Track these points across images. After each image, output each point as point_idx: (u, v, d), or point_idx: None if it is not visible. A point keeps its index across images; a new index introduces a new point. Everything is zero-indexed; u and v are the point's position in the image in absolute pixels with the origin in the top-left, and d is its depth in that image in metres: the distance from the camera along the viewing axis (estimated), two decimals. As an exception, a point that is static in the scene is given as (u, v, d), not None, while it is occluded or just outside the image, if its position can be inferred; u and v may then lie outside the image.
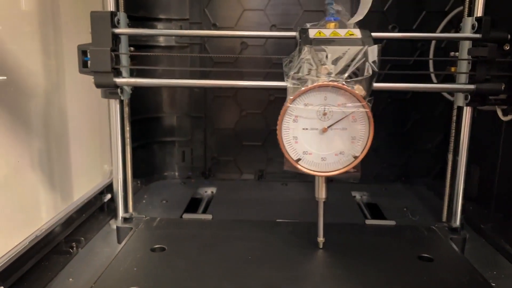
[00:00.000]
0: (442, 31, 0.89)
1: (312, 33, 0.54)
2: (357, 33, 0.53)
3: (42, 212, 0.76)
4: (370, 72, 0.51)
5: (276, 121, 1.00)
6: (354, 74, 0.52)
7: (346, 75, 0.50)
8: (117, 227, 0.64)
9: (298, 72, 0.52)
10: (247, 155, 1.05)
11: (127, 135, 0.74)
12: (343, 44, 0.52)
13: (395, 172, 1.03)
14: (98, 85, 0.66)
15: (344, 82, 0.50)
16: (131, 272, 0.50)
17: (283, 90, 0.54)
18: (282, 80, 0.55)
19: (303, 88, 0.51)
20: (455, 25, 0.87)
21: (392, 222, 0.67)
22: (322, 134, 0.52)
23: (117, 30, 0.65)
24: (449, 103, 0.92)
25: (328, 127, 0.52)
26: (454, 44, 0.72)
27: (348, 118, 0.51)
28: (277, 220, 0.67)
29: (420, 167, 1.02)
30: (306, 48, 0.52)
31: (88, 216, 0.73)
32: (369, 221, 0.69)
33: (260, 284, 0.49)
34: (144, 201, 0.89)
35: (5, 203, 0.66)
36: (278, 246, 0.58)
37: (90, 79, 0.84)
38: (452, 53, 0.70)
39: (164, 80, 0.70)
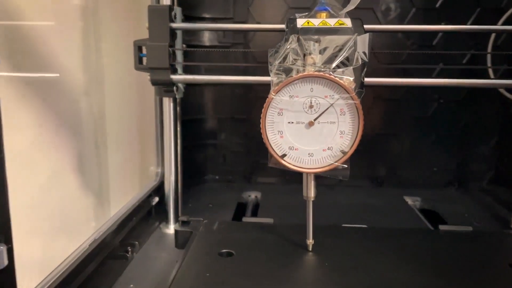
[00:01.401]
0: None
1: (300, 22, 0.51)
2: (347, 22, 0.51)
3: (83, 215, 0.74)
4: (360, 62, 0.48)
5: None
6: (344, 65, 0.48)
7: (333, 65, 0.47)
8: (176, 231, 0.61)
9: (282, 62, 0.49)
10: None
11: (179, 135, 0.71)
12: (332, 33, 0.49)
13: (447, 177, 0.98)
14: (154, 82, 0.64)
15: (331, 73, 0.47)
16: (203, 278, 0.47)
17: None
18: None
19: (287, 79, 0.47)
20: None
21: (468, 228, 0.62)
22: (309, 128, 0.49)
23: (174, 25, 0.63)
24: (505, 103, 0.88)
25: (315, 120, 0.48)
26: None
27: (337, 111, 0.48)
28: (343, 225, 0.63)
29: (473, 171, 0.97)
30: (292, 37, 0.49)
31: (138, 220, 0.70)
32: (444, 227, 0.65)
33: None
34: (190, 204, 0.86)
35: (47, 205, 0.64)
36: (350, 251, 0.54)
37: (129, 77, 0.82)
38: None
39: (223, 77, 0.67)
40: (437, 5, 0.92)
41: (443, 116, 0.96)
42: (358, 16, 0.93)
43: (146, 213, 0.75)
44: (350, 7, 0.54)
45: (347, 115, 0.48)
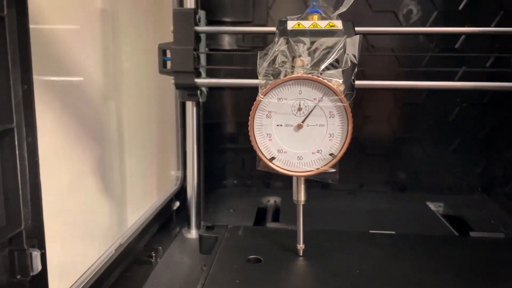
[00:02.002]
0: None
1: (291, 24, 0.51)
2: (338, 24, 0.50)
3: (101, 219, 0.73)
4: (349, 64, 0.47)
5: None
6: (335, 67, 0.47)
7: (322, 67, 0.46)
8: (200, 236, 0.60)
9: (272, 64, 0.48)
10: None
11: (201, 140, 0.71)
12: (322, 35, 0.49)
13: (471, 182, 0.96)
14: (178, 86, 0.63)
15: (319, 75, 0.46)
16: (233, 284, 0.46)
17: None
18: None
19: (275, 81, 0.47)
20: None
21: (500, 235, 0.61)
22: (298, 131, 0.48)
23: (199, 28, 0.63)
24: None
25: (302, 122, 0.47)
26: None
27: (325, 113, 0.47)
28: (371, 232, 0.62)
29: (498, 176, 0.95)
30: (281, 39, 0.48)
31: (160, 225, 0.70)
32: (475, 233, 0.63)
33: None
34: (210, 209, 0.85)
35: (68, 209, 0.63)
36: (380, 258, 0.53)
37: (149, 81, 0.82)
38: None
39: (247, 81, 0.66)
40: (460, 7, 0.91)
41: (467, 120, 0.94)
42: (382, 19, 0.93)
43: (167, 218, 0.74)
44: (342, 9, 0.54)
45: (336, 118, 0.47)
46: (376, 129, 0.97)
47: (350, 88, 0.48)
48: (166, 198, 0.74)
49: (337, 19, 0.52)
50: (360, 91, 0.94)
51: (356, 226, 0.78)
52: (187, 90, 0.64)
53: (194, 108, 0.68)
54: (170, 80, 0.87)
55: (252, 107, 0.48)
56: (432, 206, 0.89)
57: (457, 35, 0.91)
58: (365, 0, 0.93)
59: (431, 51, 0.93)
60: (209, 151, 1.00)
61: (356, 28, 0.52)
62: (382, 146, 0.97)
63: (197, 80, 0.62)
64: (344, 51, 0.47)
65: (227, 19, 0.95)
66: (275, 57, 0.48)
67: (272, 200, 0.94)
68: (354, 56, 0.48)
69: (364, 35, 0.91)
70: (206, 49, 0.70)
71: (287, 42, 0.48)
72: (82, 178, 0.68)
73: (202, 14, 0.65)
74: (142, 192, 0.81)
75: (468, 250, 0.55)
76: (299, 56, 0.48)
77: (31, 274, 0.36)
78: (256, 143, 0.48)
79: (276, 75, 0.48)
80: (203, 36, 0.66)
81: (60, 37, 0.62)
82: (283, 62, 0.48)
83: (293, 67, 0.47)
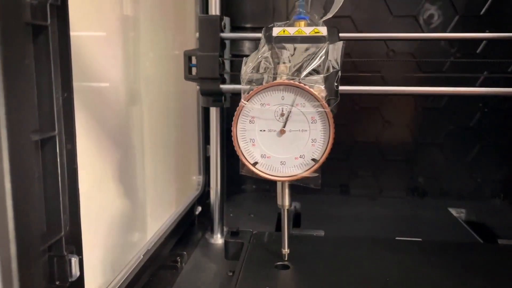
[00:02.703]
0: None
1: (276, 31, 0.52)
2: (323, 31, 0.51)
3: (121, 224, 0.74)
4: (331, 70, 0.47)
5: (362, 133, 0.97)
6: (318, 73, 0.48)
7: (303, 73, 0.47)
8: (226, 241, 0.60)
9: (256, 70, 0.49)
10: (328, 168, 1.00)
11: (224, 145, 0.71)
12: (305, 42, 0.50)
13: (493, 188, 0.95)
14: (204, 93, 0.64)
15: (301, 81, 0.46)
16: (264, 292, 0.46)
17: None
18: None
19: (258, 87, 0.47)
20: None
21: (529, 242, 0.60)
22: (280, 136, 0.48)
23: (224, 35, 0.63)
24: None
25: (284, 127, 0.48)
26: None
27: (308, 119, 0.47)
28: (396, 238, 0.61)
29: (520, 182, 0.94)
30: (265, 46, 0.49)
31: (184, 230, 0.70)
32: (503, 241, 0.63)
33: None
34: (231, 214, 0.85)
35: (88, 214, 0.64)
36: (411, 266, 0.52)
37: (169, 87, 0.82)
38: None
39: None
40: (482, 12, 0.90)
41: (488, 125, 0.94)
42: (403, 24, 0.92)
43: (190, 223, 0.75)
44: (328, 16, 0.54)
45: (319, 123, 0.47)
46: (396, 134, 0.96)
47: (334, 94, 0.49)
48: (189, 203, 0.75)
49: (322, 25, 0.53)
50: (380, 96, 0.95)
51: (378, 232, 0.78)
52: (212, 96, 0.65)
53: (218, 114, 0.68)
54: (191, 85, 0.88)
55: (235, 113, 0.49)
56: (453, 212, 0.88)
57: (478, 39, 0.90)
58: (385, 5, 0.93)
59: (453, 56, 0.92)
60: (228, 155, 1.01)
61: (342, 34, 0.54)
62: (402, 151, 0.96)
63: (223, 86, 0.63)
64: (327, 57, 0.48)
65: (248, 25, 0.95)
66: (259, 63, 0.49)
67: (291, 206, 0.94)
68: (337, 62, 0.48)
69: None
70: (230, 55, 0.70)
71: (271, 49, 0.49)
72: (104, 183, 0.69)
73: (227, 20, 0.65)
74: (165, 197, 0.81)
75: (499, 258, 0.55)
76: (283, 62, 0.48)
77: (70, 280, 0.36)
78: (239, 148, 0.49)
79: (259, 81, 0.48)
80: (227, 43, 0.66)
81: (88, 44, 0.63)
82: (266, 68, 0.48)
83: (275, 73, 0.48)
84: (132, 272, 0.50)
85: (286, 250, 0.54)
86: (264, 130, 0.48)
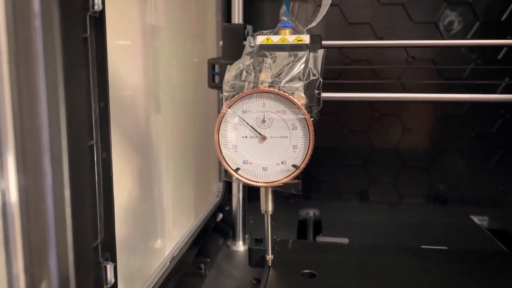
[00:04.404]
0: None
1: (260, 39, 0.53)
2: (306, 39, 0.51)
3: (140, 233, 0.74)
4: (311, 77, 0.48)
5: (381, 139, 0.97)
6: (300, 80, 0.48)
7: (283, 81, 0.47)
8: (249, 249, 0.60)
9: (238, 77, 0.50)
10: (347, 175, 1.00)
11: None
12: (287, 50, 0.51)
13: (516, 195, 0.94)
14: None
15: (281, 88, 0.47)
16: (292, 300, 0.46)
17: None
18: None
19: (239, 94, 0.48)
20: None
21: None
22: (262, 142, 0.49)
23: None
24: None
25: (264, 134, 0.48)
26: None
27: (288, 125, 0.48)
28: (422, 247, 0.61)
29: (544, 189, 0.93)
30: (247, 53, 0.51)
31: (207, 237, 0.70)
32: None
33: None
34: (251, 221, 0.85)
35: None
36: (439, 275, 0.52)
37: (189, 95, 0.82)
38: None
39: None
40: (503, 18, 0.90)
41: (509, 132, 0.93)
42: (423, 30, 0.92)
43: (212, 229, 0.75)
44: (313, 23, 0.56)
45: (299, 130, 0.48)
46: (416, 141, 0.96)
47: (316, 101, 0.50)
48: (210, 210, 0.75)
49: (306, 33, 0.54)
50: (400, 103, 0.94)
51: (401, 240, 0.77)
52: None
53: (240, 121, 0.69)
54: (212, 93, 0.88)
55: (217, 119, 0.49)
56: (476, 219, 0.87)
57: (500, 46, 0.90)
58: (405, 11, 0.92)
59: (473, 62, 0.91)
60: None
61: (327, 42, 0.54)
62: (422, 158, 0.96)
63: (246, 94, 0.63)
64: (307, 65, 0.48)
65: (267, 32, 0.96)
66: (241, 71, 0.50)
67: (311, 213, 0.94)
68: (317, 69, 0.49)
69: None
70: (251, 62, 0.71)
71: (253, 57, 0.50)
72: (127, 190, 0.70)
73: (249, 29, 0.66)
74: (186, 204, 0.82)
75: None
76: (265, 70, 0.49)
77: (106, 287, 0.36)
78: (222, 154, 0.49)
79: (241, 88, 0.49)
80: (250, 50, 0.67)
81: (113, 53, 0.64)
82: (248, 75, 0.49)
83: (256, 81, 0.49)
84: (160, 279, 0.50)
85: (270, 256, 0.55)
86: (246, 137, 0.49)
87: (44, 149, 0.21)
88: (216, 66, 0.64)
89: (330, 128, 0.97)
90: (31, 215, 0.22)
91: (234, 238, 0.73)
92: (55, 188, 0.22)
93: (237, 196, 0.71)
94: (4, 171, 0.21)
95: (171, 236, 0.68)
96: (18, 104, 0.21)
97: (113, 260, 0.38)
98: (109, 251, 0.38)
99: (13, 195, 0.21)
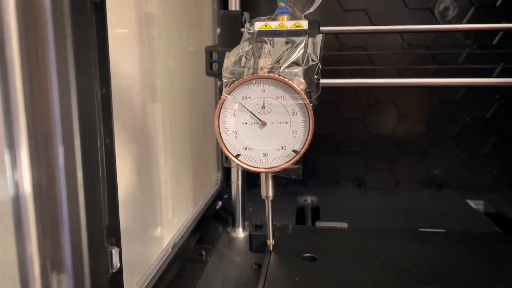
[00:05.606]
0: None
1: (258, 25, 0.53)
2: (304, 24, 0.52)
3: (146, 219, 0.75)
4: (310, 63, 0.48)
5: (377, 126, 0.98)
6: (300, 65, 0.49)
7: (283, 66, 0.48)
8: (250, 234, 0.61)
9: (237, 64, 0.50)
10: (344, 161, 1.00)
11: (244, 139, 0.71)
12: (286, 35, 0.51)
13: (510, 179, 0.95)
14: (225, 88, 0.64)
15: (280, 74, 0.48)
16: (294, 282, 0.47)
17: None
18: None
19: (239, 80, 0.48)
20: None
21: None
22: (262, 128, 0.49)
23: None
24: None
25: (262, 120, 0.48)
26: None
27: (288, 111, 0.48)
28: (420, 230, 0.62)
29: (537, 173, 0.94)
30: (246, 39, 0.51)
31: (207, 224, 0.71)
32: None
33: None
34: (250, 209, 0.86)
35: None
36: (437, 257, 0.53)
37: (186, 84, 0.82)
38: None
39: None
40: (497, 3, 0.90)
41: (505, 117, 0.93)
42: (418, 16, 0.92)
43: (212, 217, 0.75)
44: (310, 9, 0.55)
45: (299, 115, 0.48)
46: (412, 127, 0.97)
47: (315, 87, 0.50)
48: (210, 198, 0.76)
49: (304, 19, 0.54)
50: (396, 90, 0.95)
51: (398, 224, 0.78)
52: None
53: (239, 109, 0.69)
54: (209, 82, 0.88)
55: (217, 106, 0.49)
56: (472, 204, 0.89)
57: (494, 31, 0.90)
58: (400, -2, 0.92)
59: (469, 48, 0.92)
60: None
61: (324, 28, 0.55)
62: (418, 143, 0.96)
63: (244, 81, 0.63)
64: (306, 50, 0.49)
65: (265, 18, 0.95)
66: (240, 57, 0.50)
67: (309, 200, 0.95)
68: (316, 55, 0.49)
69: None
70: (248, 50, 0.70)
71: (252, 43, 0.50)
72: (126, 179, 0.70)
73: (246, 15, 0.66)
74: (185, 192, 0.82)
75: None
76: (264, 56, 0.49)
77: (111, 271, 0.37)
78: (222, 140, 0.50)
79: (240, 74, 0.49)
80: (247, 38, 0.66)
81: (110, 41, 0.63)
82: (247, 61, 0.49)
83: (256, 67, 0.49)
84: (162, 265, 0.51)
85: (271, 241, 0.55)
86: (246, 123, 0.49)
87: (56, 130, 0.21)
88: (214, 54, 0.64)
89: (327, 115, 0.98)
90: (43, 197, 0.22)
91: (234, 225, 0.73)
92: (67, 169, 0.23)
93: (237, 183, 0.71)
94: (16, 153, 0.21)
95: (171, 225, 0.68)
96: (29, 84, 0.21)
97: (118, 245, 0.38)
98: (114, 236, 0.38)
99: (26, 178, 0.21)
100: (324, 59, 0.52)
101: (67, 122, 0.23)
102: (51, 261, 0.23)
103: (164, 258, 0.53)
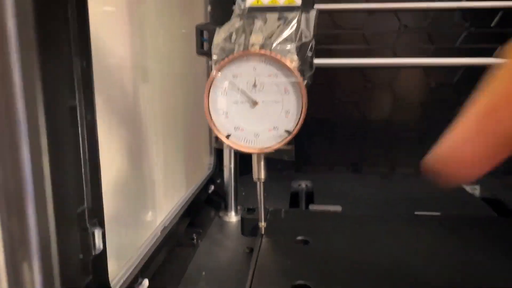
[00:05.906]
0: None
1: (249, 1, 0.50)
2: (297, 0, 0.49)
3: (135, 204, 0.73)
4: (303, 40, 0.46)
5: (374, 110, 0.96)
6: (292, 42, 0.47)
7: (274, 43, 0.46)
8: (242, 218, 0.60)
9: (227, 41, 0.48)
10: (339, 146, 0.99)
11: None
12: (279, 11, 0.49)
13: (506, 164, 0.94)
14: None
15: (272, 51, 0.45)
16: (286, 265, 0.46)
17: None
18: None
19: (229, 57, 0.46)
20: None
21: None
22: (254, 107, 0.47)
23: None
24: None
25: (253, 99, 0.47)
26: None
27: (280, 89, 0.46)
28: (416, 213, 0.60)
29: (534, 158, 0.93)
30: (237, 15, 0.49)
31: (199, 208, 0.70)
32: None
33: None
34: (243, 193, 0.84)
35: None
36: (431, 240, 0.52)
37: (177, 67, 0.80)
38: None
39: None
40: (497, -16, 0.88)
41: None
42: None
43: (204, 201, 0.74)
44: None
45: (291, 94, 0.46)
46: (408, 112, 0.95)
47: (308, 65, 0.48)
48: (202, 182, 0.74)
49: None
50: (392, 73, 0.93)
51: (393, 209, 0.77)
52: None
53: (231, 90, 0.67)
54: (201, 64, 0.86)
55: (206, 84, 0.47)
56: (468, 188, 0.88)
57: (493, 11, 0.88)
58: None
59: (467, 30, 0.90)
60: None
61: (318, 6, 0.51)
62: (414, 128, 0.95)
63: (236, 61, 0.61)
64: (299, 27, 0.47)
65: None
66: (231, 33, 0.48)
67: (303, 184, 0.93)
68: (309, 31, 0.47)
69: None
70: (241, 29, 0.69)
71: (243, 19, 0.48)
72: (115, 163, 0.68)
73: (238, -7, 0.64)
74: (177, 177, 0.81)
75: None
76: (255, 32, 0.47)
77: (93, 253, 0.35)
78: (212, 120, 0.48)
79: (230, 51, 0.47)
80: (240, 16, 0.64)
81: (96, 18, 0.61)
82: (238, 38, 0.48)
83: (247, 43, 0.47)
84: (150, 249, 0.50)
85: (263, 224, 0.54)
86: (237, 102, 0.47)
87: (17, 101, 0.20)
88: (205, 33, 0.62)
89: (322, 99, 0.96)
90: (6, 166, 0.20)
91: (226, 208, 0.72)
92: (31, 139, 0.21)
93: (229, 167, 0.70)
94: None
95: (162, 209, 0.67)
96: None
97: (101, 225, 0.37)
98: (97, 217, 0.36)
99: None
100: (318, 39, 0.51)
101: (28, 91, 0.21)
102: (16, 236, 0.21)
103: (153, 241, 0.52)
